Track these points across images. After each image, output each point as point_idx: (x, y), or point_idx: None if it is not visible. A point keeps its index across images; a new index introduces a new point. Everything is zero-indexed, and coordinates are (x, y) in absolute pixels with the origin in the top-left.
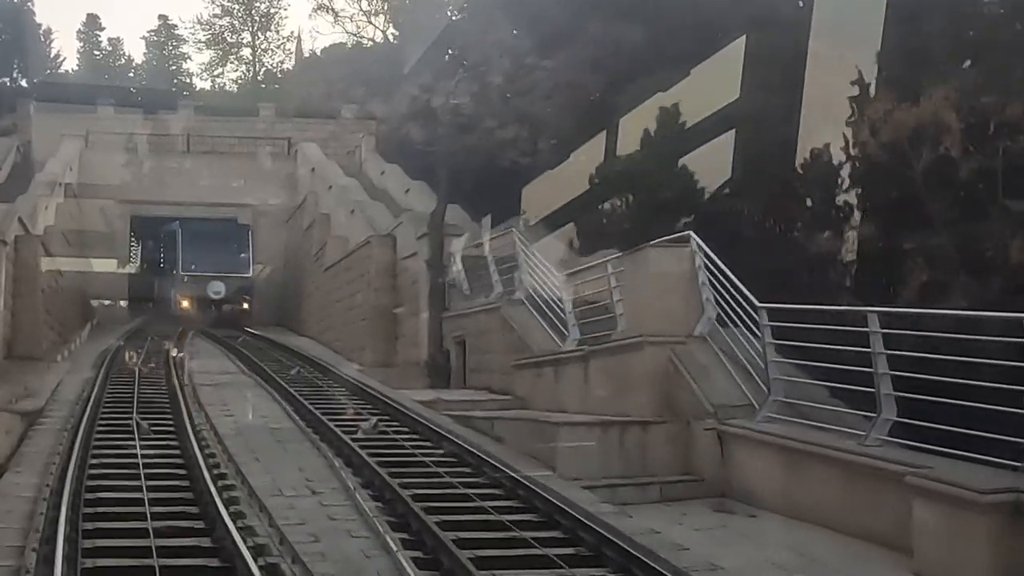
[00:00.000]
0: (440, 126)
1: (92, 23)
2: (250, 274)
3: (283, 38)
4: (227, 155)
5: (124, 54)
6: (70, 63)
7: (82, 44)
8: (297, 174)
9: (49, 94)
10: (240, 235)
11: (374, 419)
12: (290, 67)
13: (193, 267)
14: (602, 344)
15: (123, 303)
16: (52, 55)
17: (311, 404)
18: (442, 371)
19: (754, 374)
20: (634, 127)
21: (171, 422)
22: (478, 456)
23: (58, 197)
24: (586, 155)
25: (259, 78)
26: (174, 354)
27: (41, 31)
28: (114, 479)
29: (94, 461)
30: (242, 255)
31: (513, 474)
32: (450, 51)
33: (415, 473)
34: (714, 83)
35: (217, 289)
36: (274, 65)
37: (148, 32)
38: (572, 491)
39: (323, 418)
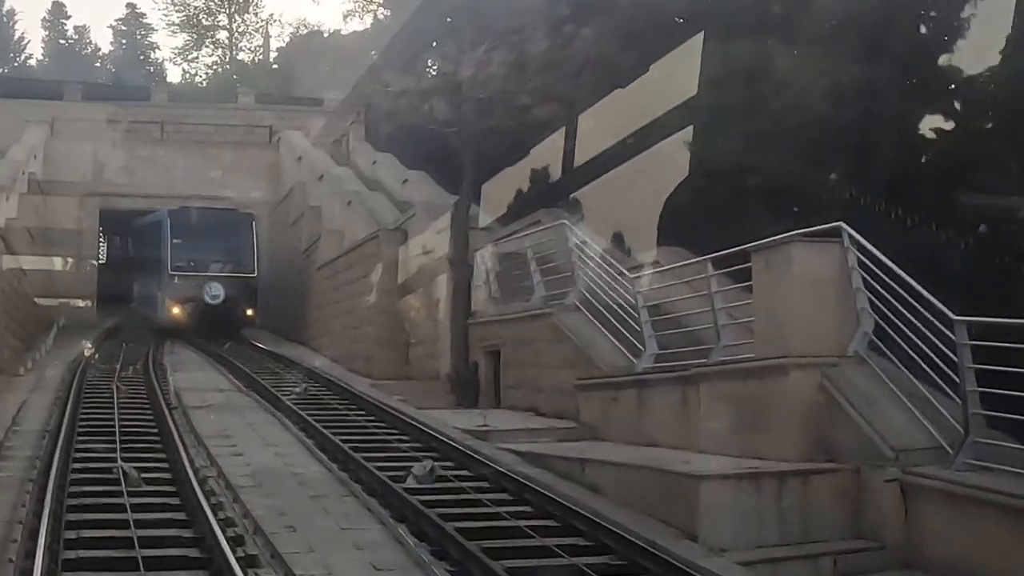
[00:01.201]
0: (465, 102)
1: (57, 11)
2: (254, 274)
3: (262, 20)
4: (204, 144)
5: (91, 43)
6: (34, 49)
7: (47, 32)
8: (281, 164)
9: (11, 83)
10: (241, 226)
11: (430, 463)
12: (272, 51)
13: (185, 265)
14: (721, 364)
15: (83, 304)
16: (16, 38)
17: (333, 434)
18: (469, 387)
19: (940, 407)
20: None
21: (166, 466)
22: (586, 518)
23: (21, 188)
24: None
25: (238, 62)
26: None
27: (3, 11)
28: None
29: (70, 535)
30: (245, 250)
31: (652, 548)
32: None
33: (521, 551)
34: None
35: (215, 292)
36: (252, 49)
37: (116, 21)
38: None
39: (356, 456)
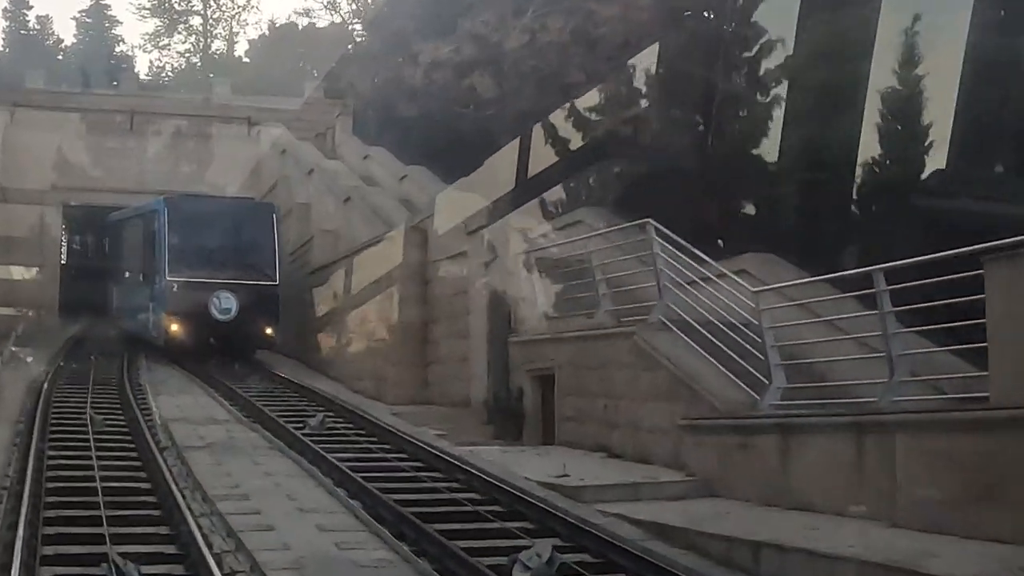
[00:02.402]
0: (508, 79)
1: (19, 1)
2: (276, 281)
3: (238, 7)
4: (177, 135)
5: (54, 33)
6: None
7: (8, 23)
8: (261, 157)
9: None
10: (259, 220)
11: (549, 548)
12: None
13: (187, 270)
14: (933, 411)
15: (30, 314)
16: None
17: (380, 490)
18: (511, 417)
19: None
20: None
21: (173, 550)
22: None
23: None
24: None
25: (211, 51)
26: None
27: None
28: None
29: None
30: (264, 251)
31: None
32: None
33: None
34: None
35: (226, 305)
36: (229, 36)
37: (80, 12)
38: None
39: (429, 530)
